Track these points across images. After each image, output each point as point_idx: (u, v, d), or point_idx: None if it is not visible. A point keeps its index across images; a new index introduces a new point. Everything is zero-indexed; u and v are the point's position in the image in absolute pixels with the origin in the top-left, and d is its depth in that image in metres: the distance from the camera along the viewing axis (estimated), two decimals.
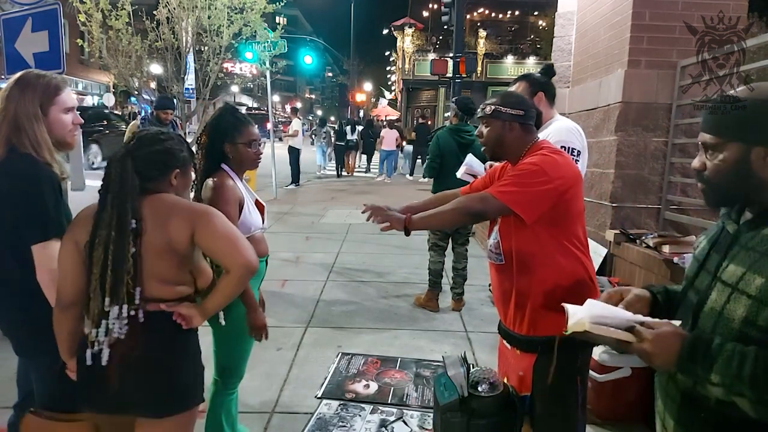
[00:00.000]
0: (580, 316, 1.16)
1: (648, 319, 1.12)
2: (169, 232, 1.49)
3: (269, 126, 11.25)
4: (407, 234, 1.80)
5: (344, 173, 15.88)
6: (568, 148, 2.38)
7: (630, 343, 1.09)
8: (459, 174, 2.62)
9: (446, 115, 4.82)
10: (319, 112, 58.09)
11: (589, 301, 1.22)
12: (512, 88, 2.54)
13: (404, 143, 15.62)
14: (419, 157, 15.17)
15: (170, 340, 1.53)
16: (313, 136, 17.06)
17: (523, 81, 2.53)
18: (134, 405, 1.50)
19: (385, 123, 17.27)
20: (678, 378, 1.15)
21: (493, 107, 1.84)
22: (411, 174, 14.91)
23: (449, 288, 4.61)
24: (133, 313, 1.45)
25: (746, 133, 1.07)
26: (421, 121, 17.13)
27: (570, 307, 1.21)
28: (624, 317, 1.14)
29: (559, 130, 2.44)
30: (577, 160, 2.39)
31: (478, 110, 1.93)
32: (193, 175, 2.19)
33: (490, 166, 2.65)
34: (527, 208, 1.67)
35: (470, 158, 2.69)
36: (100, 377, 1.46)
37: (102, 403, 1.50)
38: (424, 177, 4.57)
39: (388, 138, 14.33)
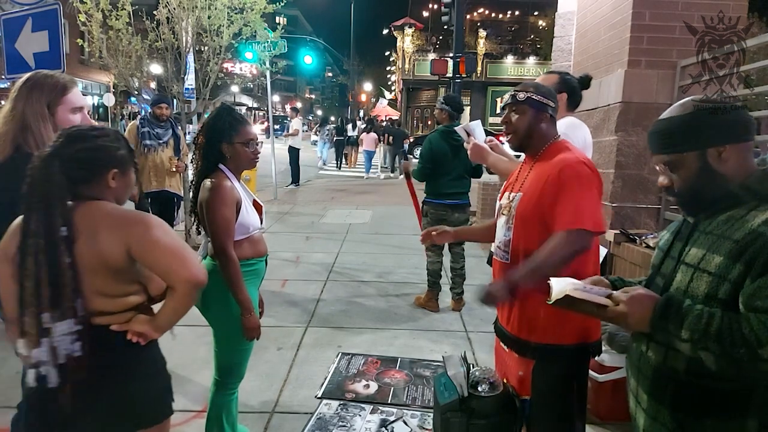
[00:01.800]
0: (562, 285, 1.28)
1: (624, 288, 1.24)
2: (100, 247, 1.32)
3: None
4: (515, 297, 1.62)
5: (346, 166, 17.84)
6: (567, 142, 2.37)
7: (606, 307, 1.20)
8: (458, 128, 2.64)
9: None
10: (319, 112, 58.16)
11: (569, 279, 1.35)
12: (542, 77, 2.52)
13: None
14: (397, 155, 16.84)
15: (125, 356, 1.40)
16: (317, 133, 19.15)
17: (556, 75, 2.50)
18: (91, 426, 1.36)
19: (385, 123, 18.44)
20: (650, 354, 1.27)
21: (526, 94, 1.78)
22: (392, 171, 16.23)
23: (449, 288, 4.61)
24: (79, 327, 1.30)
25: (697, 140, 1.21)
26: (396, 127, 18.39)
27: (554, 281, 1.34)
28: (599, 290, 1.27)
29: (561, 124, 2.43)
30: None
31: (506, 97, 1.86)
32: (191, 175, 2.21)
33: (490, 141, 2.61)
34: (602, 222, 1.67)
35: (477, 124, 2.69)
36: (50, 402, 1.31)
37: (53, 428, 1.35)
38: (417, 179, 4.52)
39: (368, 140, 15.94)
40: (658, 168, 1.30)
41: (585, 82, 2.55)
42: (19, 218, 1.39)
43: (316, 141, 19.24)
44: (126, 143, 1.49)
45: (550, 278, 1.37)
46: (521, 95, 1.79)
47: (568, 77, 2.51)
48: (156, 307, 1.51)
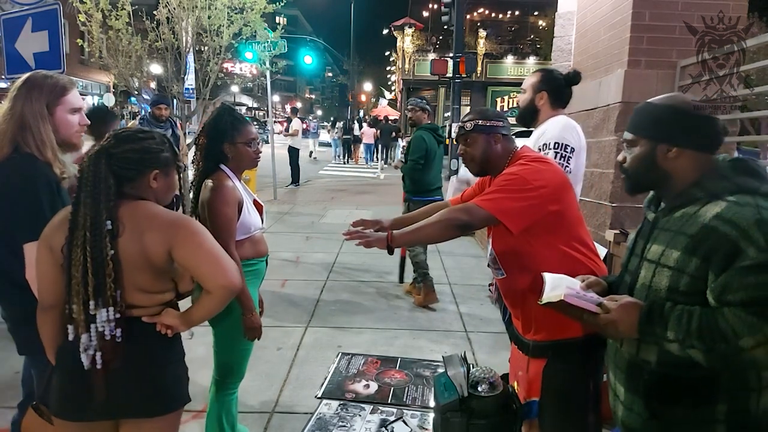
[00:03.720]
0: (557, 290, 1.34)
1: (611, 296, 1.32)
2: (145, 246, 1.40)
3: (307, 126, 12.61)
4: (390, 252, 1.74)
5: (352, 161, 20.95)
6: (563, 144, 2.36)
7: (598, 314, 1.27)
8: (450, 194, 2.69)
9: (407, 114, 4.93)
10: (319, 112, 58.28)
11: (565, 277, 1.43)
12: (528, 78, 2.56)
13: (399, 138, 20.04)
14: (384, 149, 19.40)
15: (154, 346, 1.48)
16: (329, 131, 23.97)
17: (538, 73, 2.53)
18: (119, 410, 1.47)
19: (386, 122, 20.26)
20: (624, 349, 1.34)
21: (473, 122, 1.82)
22: (386, 162, 18.25)
23: (412, 279, 4.71)
24: (118, 316, 1.40)
25: (654, 131, 1.31)
26: (385, 123, 20.47)
27: (547, 276, 1.42)
28: (592, 295, 1.33)
29: (555, 126, 2.43)
30: (569, 157, 2.37)
31: (457, 129, 1.90)
32: (191, 175, 2.21)
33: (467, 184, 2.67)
34: (512, 217, 1.65)
35: (464, 170, 2.75)
36: (86, 385, 1.41)
37: (87, 410, 1.44)
38: (404, 174, 4.69)
39: (368, 134, 19.38)
40: (623, 141, 1.40)
41: (571, 78, 2.52)
42: (64, 210, 1.47)
43: (327, 142, 23.67)
44: (171, 147, 1.55)
45: (544, 273, 1.43)
46: (468, 125, 1.84)
47: (550, 75, 2.50)
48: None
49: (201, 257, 1.44)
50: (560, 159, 2.33)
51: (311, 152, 21.47)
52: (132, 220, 1.41)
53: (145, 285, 1.45)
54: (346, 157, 21.18)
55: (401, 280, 4.71)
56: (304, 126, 17.48)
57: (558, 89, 2.48)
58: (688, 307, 1.17)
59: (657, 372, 1.26)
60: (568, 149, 2.37)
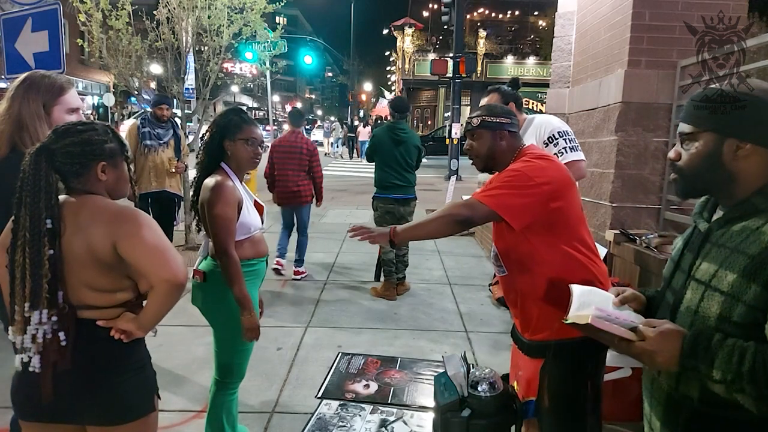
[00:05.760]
0: (585, 310, 1.17)
1: (648, 320, 1.12)
2: (90, 241, 1.35)
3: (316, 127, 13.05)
4: (393, 247, 1.80)
5: (356, 158, 22.98)
6: (564, 131, 2.68)
7: (632, 341, 1.08)
8: (449, 197, 2.90)
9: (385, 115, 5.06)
10: (320, 112, 58.25)
11: (595, 290, 1.26)
12: (485, 100, 2.74)
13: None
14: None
15: (108, 351, 1.41)
16: (333, 130, 26.51)
17: (495, 93, 2.76)
18: (76, 414, 1.41)
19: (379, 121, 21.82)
20: (662, 379, 1.17)
21: (480, 118, 1.83)
22: None
23: (395, 276, 4.76)
24: (56, 318, 1.34)
25: (722, 124, 1.09)
26: (380, 122, 21.42)
27: (576, 289, 1.25)
28: (626, 316, 1.14)
29: (550, 120, 2.69)
30: (574, 139, 2.70)
31: (465, 124, 1.93)
32: (193, 174, 2.21)
33: (479, 184, 2.75)
34: (514, 213, 1.65)
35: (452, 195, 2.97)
36: (33, 386, 1.37)
37: (37, 412, 1.40)
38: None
39: (363, 133, 21.69)
40: (678, 135, 1.20)
41: (513, 83, 2.89)
42: None
43: (333, 143, 25.85)
44: (115, 136, 1.49)
45: (572, 285, 1.30)
46: (475, 121, 1.85)
47: (505, 89, 2.79)
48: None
49: (143, 250, 1.38)
50: (571, 143, 2.63)
51: (326, 153, 24.03)
52: (77, 215, 1.37)
53: (95, 282, 1.39)
54: (352, 154, 23.59)
55: (377, 278, 4.78)
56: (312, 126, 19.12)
57: (516, 96, 2.77)
58: (741, 343, 0.97)
59: (699, 410, 1.09)
60: (570, 133, 2.67)
